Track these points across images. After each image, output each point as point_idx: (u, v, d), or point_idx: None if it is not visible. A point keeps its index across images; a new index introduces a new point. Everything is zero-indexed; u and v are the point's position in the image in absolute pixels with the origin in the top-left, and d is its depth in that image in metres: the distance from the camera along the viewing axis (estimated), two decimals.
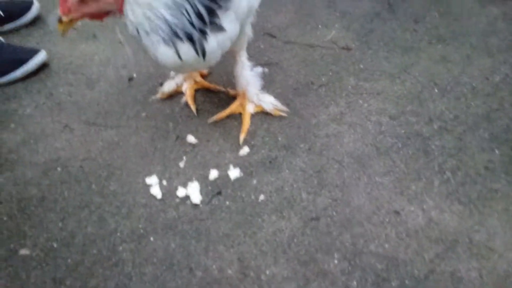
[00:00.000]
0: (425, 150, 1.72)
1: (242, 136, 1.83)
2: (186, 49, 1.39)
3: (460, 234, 1.48)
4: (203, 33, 1.38)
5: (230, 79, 2.04)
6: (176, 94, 2.02)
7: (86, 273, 1.49)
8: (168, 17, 1.33)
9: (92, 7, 1.37)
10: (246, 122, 1.86)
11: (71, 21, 1.38)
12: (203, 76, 2.09)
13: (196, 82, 2.02)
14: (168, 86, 2.01)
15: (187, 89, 1.99)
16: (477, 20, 2.26)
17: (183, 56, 1.40)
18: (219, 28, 1.43)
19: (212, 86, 2.05)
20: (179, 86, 2.01)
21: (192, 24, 1.36)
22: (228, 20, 1.45)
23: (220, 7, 1.40)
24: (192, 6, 1.34)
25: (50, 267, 1.52)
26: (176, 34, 1.36)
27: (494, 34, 2.17)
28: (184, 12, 1.34)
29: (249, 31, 1.78)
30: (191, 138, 1.84)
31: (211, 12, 1.38)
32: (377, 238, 1.50)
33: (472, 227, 1.49)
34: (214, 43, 1.44)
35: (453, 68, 2.03)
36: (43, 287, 1.47)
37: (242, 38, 1.77)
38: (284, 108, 1.89)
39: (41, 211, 1.66)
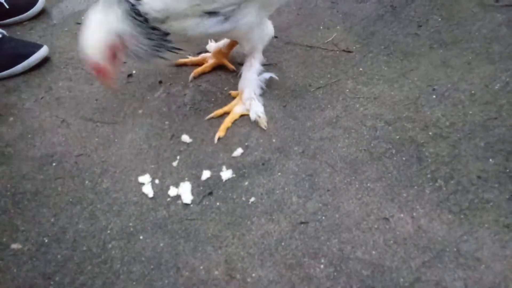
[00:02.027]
0: (418, 157, 1.71)
1: (217, 135, 1.84)
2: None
3: (448, 243, 1.47)
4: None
5: (229, 78, 2.05)
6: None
7: (75, 269, 1.51)
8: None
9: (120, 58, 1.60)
10: (228, 121, 1.87)
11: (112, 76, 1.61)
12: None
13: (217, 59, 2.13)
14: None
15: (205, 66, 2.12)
16: (481, 25, 2.23)
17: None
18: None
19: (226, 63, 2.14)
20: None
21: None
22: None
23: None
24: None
25: (40, 262, 1.54)
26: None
27: (496, 41, 2.14)
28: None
29: (261, 32, 1.79)
30: (185, 138, 1.85)
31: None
32: (364, 244, 1.50)
33: (461, 236, 1.49)
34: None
35: (453, 74, 2.01)
36: (32, 282, 1.49)
37: (245, 40, 1.78)
38: (265, 123, 1.88)
39: (34, 205, 1.68)
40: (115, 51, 1.53)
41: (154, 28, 1.51)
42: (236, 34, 1.75)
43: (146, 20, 1.49)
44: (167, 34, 1.55)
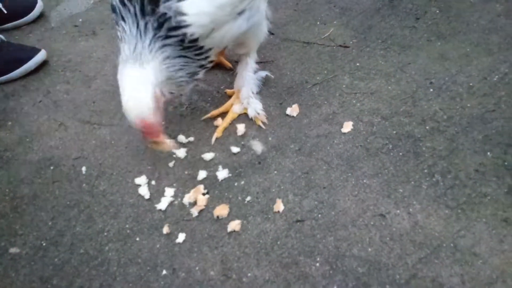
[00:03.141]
0: (415, 152, 1.70)
1: (215, 136, 1.84)
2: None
3: (445, 239, 1.46)
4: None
5: (225, 77, 2.04)
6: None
7: (72, 272, 1.52)
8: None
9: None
10: (226, 121, 1.87)
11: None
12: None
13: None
14: None
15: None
16: (479, 16, 2.20)
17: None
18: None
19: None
20: None
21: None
22: None
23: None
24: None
25: (38, 266, 1.55)
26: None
27: (495, 32, 2.11)
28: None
29: (260, 34, 1.78)
30: (182, 138, 1.85)
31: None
32: (360, 241, 1.49)
33: (458, 232, 1.47)
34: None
35: (451, 67, 1.99)
36: (30, 286, 1.51)
37: (251, 39, 1.77)
38: (265, 119, 1.88)
39: (32, 209, 1.70)
40: (158, 103, 1.47)
41: (198, 49, 1.48)
42: (249, 33, 1.71)
43: (192, 42, 1.45)
44: (209, 50, 1.52)
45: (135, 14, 1.38)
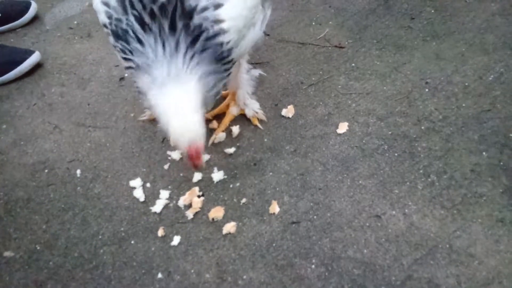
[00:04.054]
0: (411, 152, 1.69)
1: (213, 137, 1.83)
2: None
3: (440, 240, 1.45)
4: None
5: None
6: None
7: (67, 276, 1.51)
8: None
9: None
10: (224, 123, 1.85)
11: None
12: None
13: None
14: None
15: None
16: (474, 16, 2.20)
17: None
18: None
19: None
20: None
21: None
22: None
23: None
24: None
25: (33, 269, 1.54)
26: None
27: (490, 31, 2.11)
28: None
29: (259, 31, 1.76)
30: None
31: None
32: (356, 243, 1.48)
33: (454, 232, 1.47)
34: None
35: (446, 67, 1.99)
36: None
37: (245, 47, 1.75)
38: (264, 118, 1.87)
39: (27, 213, 1.69)
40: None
41: (227, 62, 1.43)
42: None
43: (225, 53, 1.40)
44: (233, 63, 1.48)
45: (160, 33, 1.30)
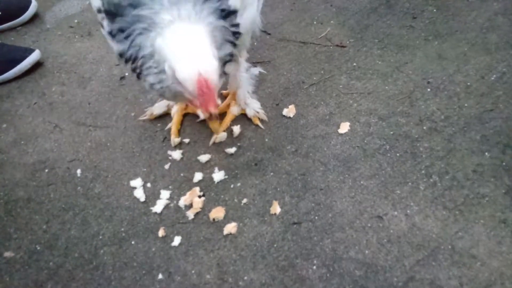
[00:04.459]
0: (413, 153, 1.68)
1: (214, 137, 1.81)
2: None
3: (442, 241, 1.44)
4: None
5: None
6: (165, 115, 1.95)
7: (67, 276, 1.51)
8: None
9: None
10: (225, 123, 1.84)
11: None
12: None
13: (187, 105, 1.92)
14: (159, 108, 1.93)
15: (176, 113, 1.89)
16: (476, 15, 2.19)
17: None
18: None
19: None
20: (169, 108, 1.93)
21: None
22: None
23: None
24: None
25: (33, 270, 1.53)
26: None
27: (493, 30, 2.10)
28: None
29: (248, 36, 1.75)
30: (178, 140, 1.83)
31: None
32: (358, 244, 1.48)
33: (456, 233, 1.46)
34: None
35: (448, 66, 1.98)
36: None
37: (243, 40, 1.73)
38: (265, 117, 1.86)
39: (27, 213, 1.68)
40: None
41: (234, 25, 1.38)
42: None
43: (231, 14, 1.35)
44: (239, 35, 1.42)
45: None
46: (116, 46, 1.36)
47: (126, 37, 1.30)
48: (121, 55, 1.35)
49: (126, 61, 1.35)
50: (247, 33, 1.59)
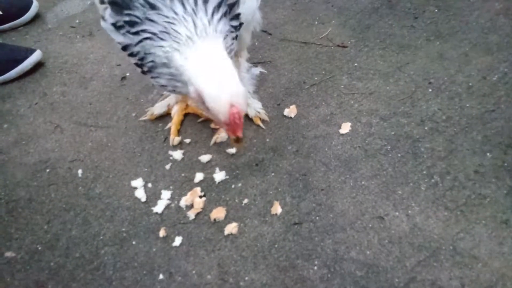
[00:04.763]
0: (414, 153, 1.68)
1: (215, 137, 1.81)
2: None
3: (444, 241, 1.44)
4: None
5: None
6: (166, 115, 1.95)
7: (68, 276, 1.50)
8: None
9: None
10: None
11: None
12: None
13: (187, 106, 1.92)
14: (159, 108, 1.93)
15: (176, 113, 1.89)
16: (478, 15, 2.19)
17: None
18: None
19: (201, 111, 1.90)
20: (169, 108, 1.93)
21: None
22: None
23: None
24: None
25: (34, 270, 1.53)
26: None
27: (494, 31, 2.10)
28: None
29: (249, 34, 1.75)
30: (179, 140, 1.83)
31: None
32: (359, 244, 1.47)
33: (457, 234, 1.46)
34: None
35: (450, 66, 1.97)
36: None
37: (243, 38, 1.74)
38: (266, 117, 1.86)
39: (28, 213, 1.68)
40: None
41: (235, 17, 1.36)
42: (247, 25, 1.63)
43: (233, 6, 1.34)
44: (240, 26, 1.40)
45: None
46: (119, 38, 1.33)
47: (134, 33, 1.28)
48: (124, 48, 1.33)
49: (131, 55, 1.34)
50: (247, 26, 1.58)
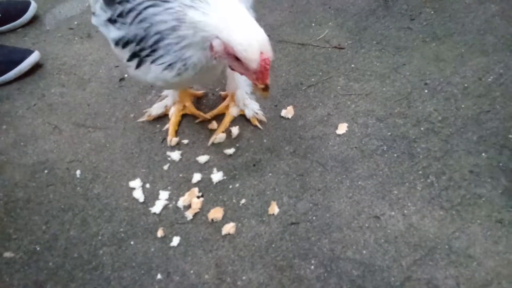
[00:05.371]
0: (410, 153, 1.70)
1: (213, 137, 1.82)
2: None
3: (439, 241, 1.45)
4: None
5: (220, 79, 2.04)
6: (164, 116, 1.96)
7: (66, 277, 1.51)
8: None
9: None
10: (224, 124, 1.85)
11: None
12: (198, 98, 2.03)
13: (185, 107, 1.93)
14: (157, 109, 1.94)
15: (173, 114, 1.90)
16: (474, 17, 2.20)
17: None
18: None
19: (198, 113, 1.92)
20: (167, 109, 1.93)
21: None
22: None
23: None
24: None
25: (32, 270, 1.54)
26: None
27: (490, 32, 2.11)
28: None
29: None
30: (176, 140, 1.84)
31: None
32: (355, 244, 1.48)
33: (453, 233, 1.47)
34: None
35: (446, 68, 1.99)
36: None
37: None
38: (264, 118, 1.87)
39: (26, 213, 1.69)
40: None
41: None
42: None
43: None
44: None
45: None
46: (114, 33, 1.34)
47: (130, 21, 1.29)
48: (117, 42, 1.34)
49: (127, 44, 1.33)
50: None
